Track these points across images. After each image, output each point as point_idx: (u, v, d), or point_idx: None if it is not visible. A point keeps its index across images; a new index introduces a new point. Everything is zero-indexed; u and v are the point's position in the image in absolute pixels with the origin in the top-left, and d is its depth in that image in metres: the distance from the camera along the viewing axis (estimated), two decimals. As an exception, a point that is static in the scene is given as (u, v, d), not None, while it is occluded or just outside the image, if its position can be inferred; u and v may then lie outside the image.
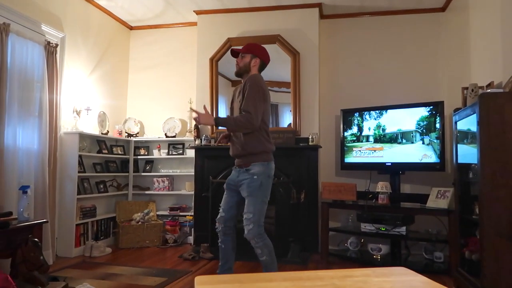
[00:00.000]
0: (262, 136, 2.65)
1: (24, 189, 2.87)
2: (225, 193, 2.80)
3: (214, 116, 2.70)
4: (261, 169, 2.60)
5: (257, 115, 2.55)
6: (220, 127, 2.69)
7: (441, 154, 3.80)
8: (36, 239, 2.59)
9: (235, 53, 2.82)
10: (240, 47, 2.81)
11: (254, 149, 2.62)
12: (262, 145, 2.64)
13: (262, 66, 2.80)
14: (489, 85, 2.95)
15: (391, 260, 3.88)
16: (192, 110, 2.95)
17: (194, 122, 4.74)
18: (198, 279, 0.83)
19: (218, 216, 2.76)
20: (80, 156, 4.15)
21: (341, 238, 4.34)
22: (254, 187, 2.57)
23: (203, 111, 2.67)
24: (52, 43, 3.84)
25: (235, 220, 2.75)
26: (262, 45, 2.83)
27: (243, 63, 2.74)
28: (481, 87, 3.00)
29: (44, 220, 3.03)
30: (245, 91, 2.61)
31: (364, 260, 3.91)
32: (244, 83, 2.67)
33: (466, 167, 3.03)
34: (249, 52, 2.74)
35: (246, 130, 2.60)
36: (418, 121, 3.94)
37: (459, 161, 3.14)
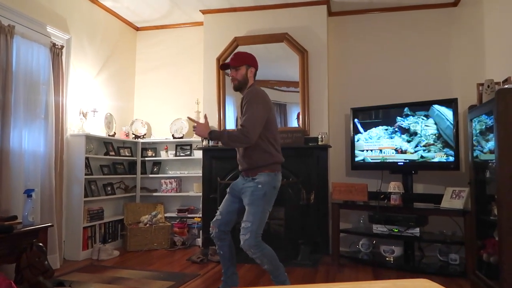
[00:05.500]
0: (268, 147, 2.55)
1: (28, 192, 2.83)
2: (226, 196, 2.72)
3: (210, 129, 2.54)
4: (267, 179, 2.51)
5: (254, 129, 2.44)
6: (213, 141, 2.54)
7: (456, 153, 3.68)
8: (40, 244, 2.54)
9: (225, 66, 2.74)
10: (228, 60, 2.73)
11: (263, 162, 2.54)
12: (271, 157, 2.55)
13: (255, 74, 2.72)
14: (506, 81, 2.83)
15: (404, 262, 3.78)
16: (189, 119, 2.83)
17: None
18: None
19: (214, 219, 2.67)
20: (87, 158, 4.12)
21: (353, 239, 4.24)
22: (257, 195, 2.48)
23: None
24: (57, 45, 3.81)
25: (230, 226, 2.66)
26: (249, 52, 2.76)
27: (241, 76, 2.64)
28: (497, 83, 2.88)
29: (49, 224, 2.98)
30: (243, 106, 2.54)
31: (376, 262, 3.81)
32: (242, 98, 2.60)
33: (483, 165, 2.92)
34: (243, 63, 2.64)
35: (241, 145, 2.51)
36: (431, 118, 3.82)
37: (475, 159, 3.03)
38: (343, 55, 4.65)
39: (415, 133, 3.91)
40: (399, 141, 3.99)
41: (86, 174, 4.06)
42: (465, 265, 3.41)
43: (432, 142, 3.83)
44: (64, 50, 3.92)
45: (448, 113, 3.75)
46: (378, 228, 3.80)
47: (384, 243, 3.94)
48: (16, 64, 3.36)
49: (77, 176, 3.99)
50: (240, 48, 4.44)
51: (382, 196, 3.90)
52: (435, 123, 3.81)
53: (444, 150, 3.75)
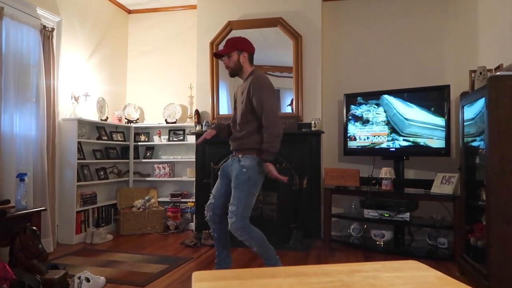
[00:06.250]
0: (260, 132, 2.56)
1: (21, 176, 2.82)
2: (218, 179, 2.75)
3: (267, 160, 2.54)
4: (252, 163, 2.53)
5: (275, 119, 2.51)
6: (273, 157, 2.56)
7: (447, 139, 3.73)
8: (34, 228, 2.55)
9: (218, 55, 2.72)
10: (221, 49, 2.70)
11: (252, 145, 2.56)
12: (260, 142, 2.55)
13: (251, 57, 2.70)
14: (498, 68, 2.85)
15: (394, 246, 3.85)
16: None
17: (194, 108, 4.67)
18: (196, 275, 0.77)
19: (208, 202, 2.72)
20: (79, 143, 4.10)
21: (344, 224, 4.30)
22: (241, 179, 2.51)
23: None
24: (48, 27, 3.74)
25: (224, 208, 2.68)
26: (242, 36, 2.74)
27: (233, 63, 2.63)
28: (490, 70, 2.90)
29: (43, 208, 2.98)
30: (252, 95, 2.53)
31: (367, 246, 3.88)
32: (249, 86, 2.57)
33: (473, 152, 2.96)
34: (233, 49, 2.62)
35: (278, 137, 2.51)
36: (423, 105, 3.86)
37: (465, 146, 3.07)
38: (337, 41, 4.63)
39: (367, 121, 4.11)
40: (353, 128, 4.21)
41: (78, 159, 4.05)
42: (453, 249, 3.48)
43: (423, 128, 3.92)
44: (54, 33, 3.86)
45: (394, 101, 3.97)
46: (369, 213, 3.86)
47: (375, 227, 4.00)
48: (6, 47, 3.30)
49: (69, 160, 3.97)
50: (234, 33, 4.39)
51: (373, 182, 3.95)
52: (385, 111, 4.03)
53: (392, 135, 3.98)
